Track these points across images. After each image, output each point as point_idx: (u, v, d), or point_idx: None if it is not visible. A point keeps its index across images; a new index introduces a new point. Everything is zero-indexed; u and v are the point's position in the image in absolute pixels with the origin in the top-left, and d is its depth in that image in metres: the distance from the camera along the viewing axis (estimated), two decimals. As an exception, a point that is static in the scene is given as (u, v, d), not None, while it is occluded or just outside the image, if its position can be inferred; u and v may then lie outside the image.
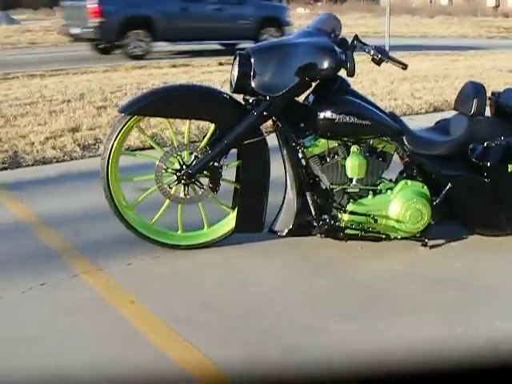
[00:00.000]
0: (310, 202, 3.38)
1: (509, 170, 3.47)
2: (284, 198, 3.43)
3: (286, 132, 3.35)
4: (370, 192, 3.42)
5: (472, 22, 29.33)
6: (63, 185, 4.73)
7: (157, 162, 3.40)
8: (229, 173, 3.50)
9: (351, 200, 3.39)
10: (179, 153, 3.40)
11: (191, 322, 2.78)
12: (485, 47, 16.38)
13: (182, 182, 3.39)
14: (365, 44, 3.38)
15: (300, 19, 20.72)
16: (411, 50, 14.52)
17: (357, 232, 3.41)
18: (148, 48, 13.55)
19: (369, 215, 3.38)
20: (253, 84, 3.24)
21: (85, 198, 4.30)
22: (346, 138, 3.35)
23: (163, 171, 3.40)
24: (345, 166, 3.35)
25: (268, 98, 3.26)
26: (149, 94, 3.49)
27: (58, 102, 7.92)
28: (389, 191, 3.44)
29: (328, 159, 3.37)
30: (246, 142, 3.34)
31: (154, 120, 6.17)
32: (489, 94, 3.61)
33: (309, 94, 3.46)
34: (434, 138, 3.55)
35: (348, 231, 3.40)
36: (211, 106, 3.39)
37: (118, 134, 3.37)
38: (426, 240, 3.47)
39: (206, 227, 3.55)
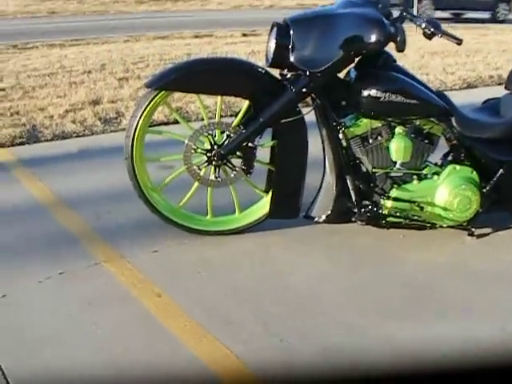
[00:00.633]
0: (350, 186, 3.19)
1: None
2: (322, 181, 3.24)
3: (325, 110, 3.14)
4: (415, 177, 3.23)
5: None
6: (83, 161, 4.55)
7: (186, 141, 3.19)
8: (263, 153, 3.30)
9: (395, 185, 3.21)
10: (210, 131, 3.20)
11: (223, 319, 2.57)
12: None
13: (213, 163, 3.21)
14: (415, 16, 3.17)
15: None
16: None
17: (400, 220, 3.23)
18: None
19: (413, 202, 3.20)
20: (291, 58, 3.01)
21: (106, 176, 4.13)
22: (390, 118, 3.15)
23: (192, 151, 3.19)
24: (388, 148, 3.15)
25: (308, 73, 3.03)
26: (178, 67, 3.26)
27: (78, 72, 7.81)
28: (435, 176, 3.25)
29: (370, 140, 3.16)
30: (282, 120, 3.12)
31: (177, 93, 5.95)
32: None
33: (350, 70, 3.23)
34: (484, 119, 3.35)
35: (390, 219, 3.22)
36: (245, 82, 3.17)
37: (144, 111, 3.17)
38: (473, 229, 3.30)
39: (237, 212, 3.38)
